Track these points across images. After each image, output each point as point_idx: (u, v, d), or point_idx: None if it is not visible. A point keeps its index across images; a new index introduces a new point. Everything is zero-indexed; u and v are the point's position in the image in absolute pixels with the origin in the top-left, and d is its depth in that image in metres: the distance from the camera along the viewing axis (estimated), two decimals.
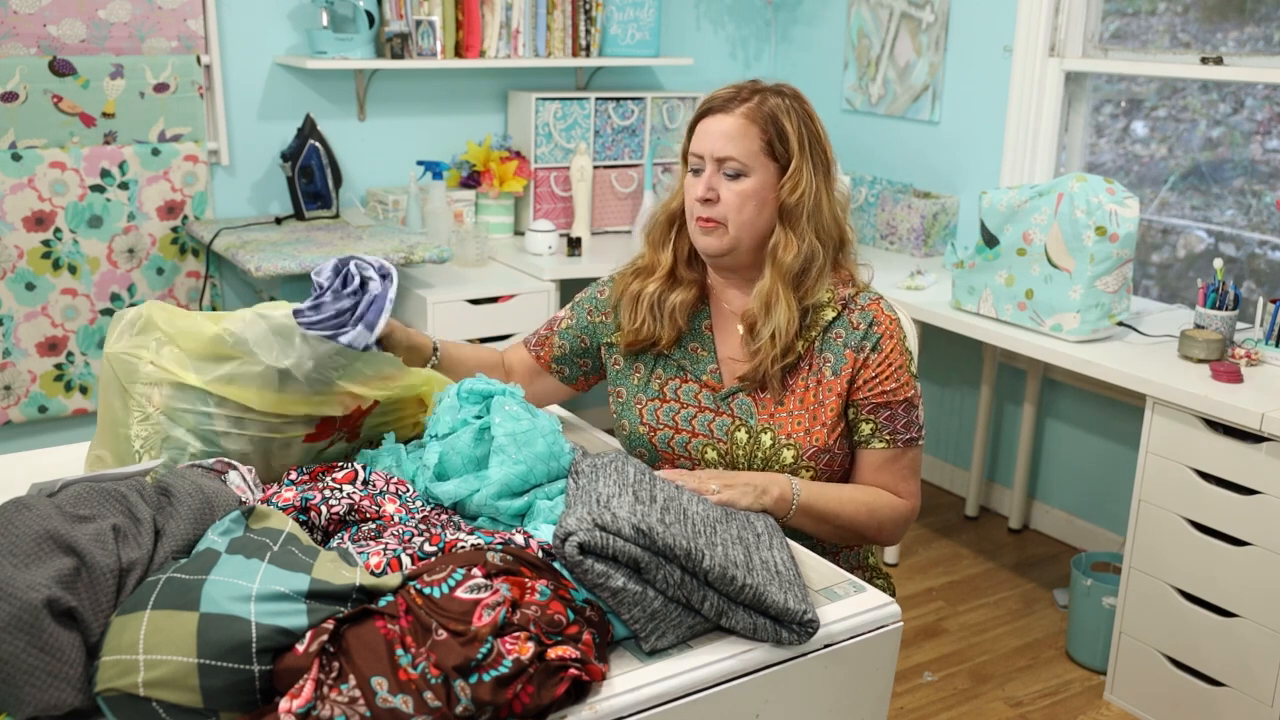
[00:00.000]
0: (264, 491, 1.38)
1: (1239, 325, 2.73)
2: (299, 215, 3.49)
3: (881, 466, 1.71)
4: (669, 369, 1.78)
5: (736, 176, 1.68)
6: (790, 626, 1.26)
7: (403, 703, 1.03)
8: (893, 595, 1.84)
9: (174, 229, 3.42)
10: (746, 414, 1.71)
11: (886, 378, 1.69)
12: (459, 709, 1.03)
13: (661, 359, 1.79)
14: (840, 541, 1.72)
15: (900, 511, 1.72)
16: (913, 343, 2.01)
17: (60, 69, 3.18)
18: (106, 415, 1.47)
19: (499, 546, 1.22)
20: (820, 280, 1.71)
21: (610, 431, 1.92)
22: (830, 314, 1.71)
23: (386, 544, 1.27)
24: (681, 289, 1.77)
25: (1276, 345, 2.57)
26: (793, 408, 1.70)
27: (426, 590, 1.12)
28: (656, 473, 1.48)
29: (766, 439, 1.69)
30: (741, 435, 1.70)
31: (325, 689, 1.03)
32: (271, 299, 3.50)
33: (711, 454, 1.71)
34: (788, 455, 1.68)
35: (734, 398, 1.73)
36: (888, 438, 1.70)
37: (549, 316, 1.93)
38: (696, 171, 1.71)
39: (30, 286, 3.25)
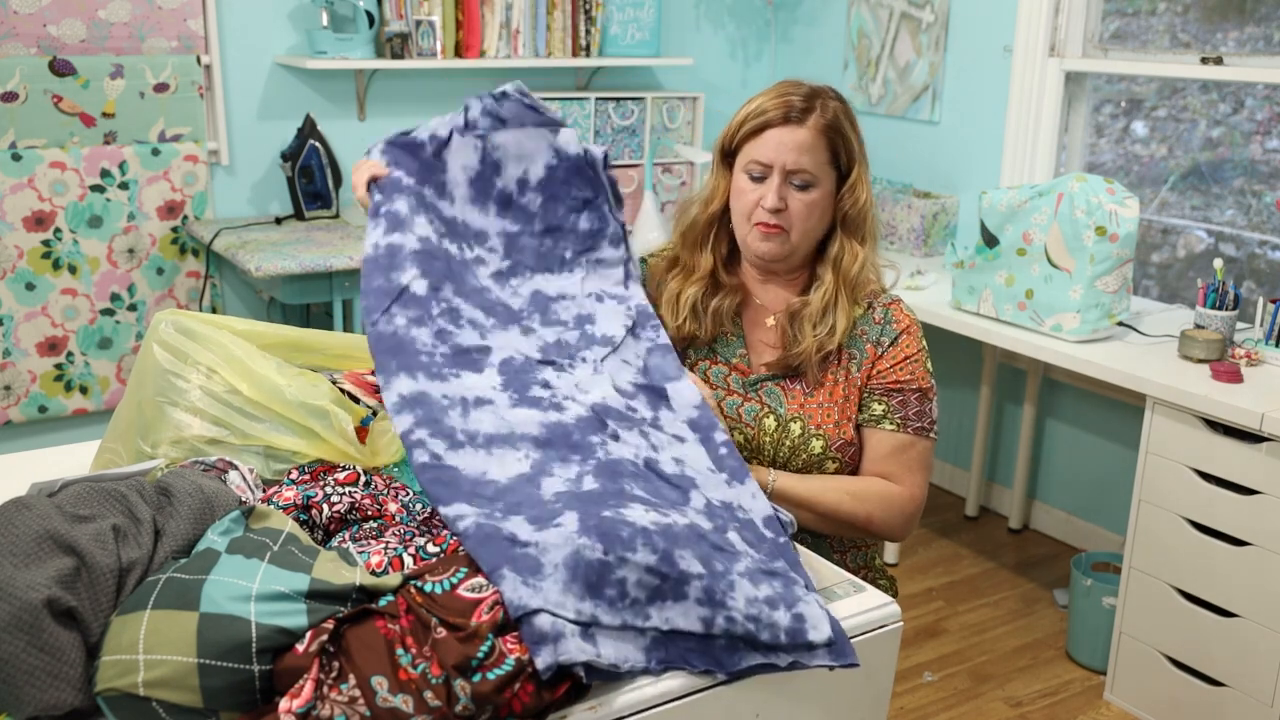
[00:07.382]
0: (264, 491, 1.38)
1: (1239, 325, 2.73)
2: (299, 215, 3.49)
3: (889, 455, 1.70)
4: (700, 351, 1.80)
5: (805, 187, 1.69)
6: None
7: (403, 702, 1.03)
8: (895, 596, 1.84)
9: (174, 229, 3.42)
10: (776, 402, 1.72)
11: (900, 367, 1.72)
12: (459, 708, 1.03)
13: (696, 342, 1.81)
14: (832, 530, 1.71)
15: (894, 499, 1.69)
16: None
17: (60, 69, 3.18)
18: (131, 417, 1.47)
19: None
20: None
21: None
22: (858, 311, 1.74)
23: (388, 543, 1.26)
24: (725, 294, 1.77)
25: (1276, 345, 2.57)
26: (822, 399, 1.71)
27: (427, 588, 1.12)
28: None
29: (796, 428, 1.70)
30: (770, 422, 1.70)
31: (325, 689, 1.03)
32: (271, 299, 3.52)
33: (738, 437, 1.71)
34: (816, 445, 1.69)
35: (763, 385, 1.74)
36: (899, 420, 1.70)
37: None
38: (758, 178, 1.70)
39: (30, 286, 3.25)
